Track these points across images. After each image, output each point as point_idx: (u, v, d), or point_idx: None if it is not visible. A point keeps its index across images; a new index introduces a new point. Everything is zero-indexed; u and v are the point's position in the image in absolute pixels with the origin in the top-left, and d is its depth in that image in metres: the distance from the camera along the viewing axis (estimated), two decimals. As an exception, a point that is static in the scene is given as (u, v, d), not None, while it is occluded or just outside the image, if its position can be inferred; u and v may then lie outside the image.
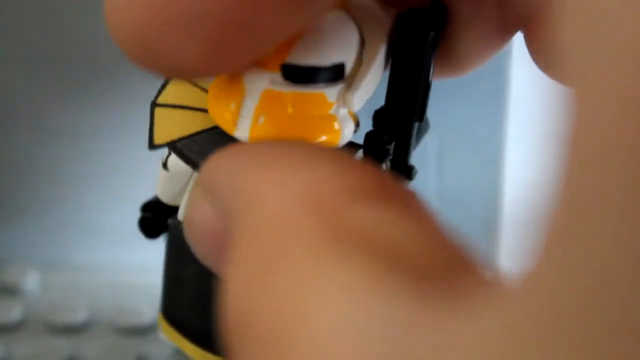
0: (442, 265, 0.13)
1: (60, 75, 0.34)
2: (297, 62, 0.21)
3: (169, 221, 0.25)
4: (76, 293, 0.35)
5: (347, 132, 0.22)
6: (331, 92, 0.22)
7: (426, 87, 0.25)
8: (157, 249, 0.33)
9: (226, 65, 0.18)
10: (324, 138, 0.22)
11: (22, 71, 0.34)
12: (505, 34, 0.22)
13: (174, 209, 0.25)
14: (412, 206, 0.15)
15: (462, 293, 0.12)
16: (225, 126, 0.22)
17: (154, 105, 0.24)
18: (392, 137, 0.25)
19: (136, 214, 0.33)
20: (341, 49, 0.21)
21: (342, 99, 0.22)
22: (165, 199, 0.25)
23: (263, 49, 0.18)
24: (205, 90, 0.24)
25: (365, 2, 0.22)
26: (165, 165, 0.25)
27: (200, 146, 0.23)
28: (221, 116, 0.22)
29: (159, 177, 0.25)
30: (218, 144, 0.23)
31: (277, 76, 0.21)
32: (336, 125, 0.22)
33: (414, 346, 0.12)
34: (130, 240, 0.36)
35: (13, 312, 0.34)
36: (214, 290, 0.25)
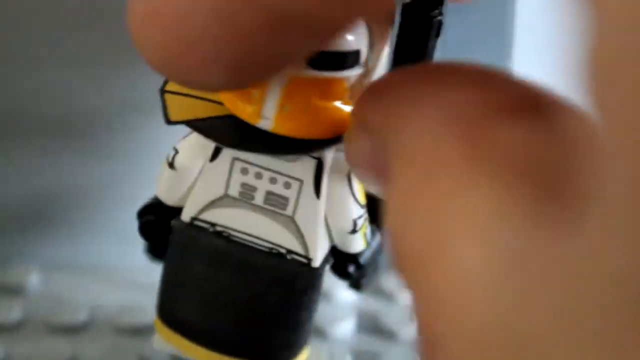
0: (565, 176, 0.14)
1: (60, 75, 0.34)
2: (322, 48, 0.21)
3: (173, 223, 0.25)
4: (77, 293, 0.35)
5: None
6: (349, 78, 0.22)
7: None
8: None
9: (252, 81, 0.18)
10: (342, 125, 0.22)
11: (23, 69, 0.34)
12: None
13: (176, 211, 0.25)
14: (550, 119, 0.15)
15: (574, 209, 0.13)
16: (247, 115, 0.22)
17: (163, 91, 0.24)
18: None
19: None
20: (356, 36, 0.22)
21: (359, 84, 0.22)
22: (170, 200, 0.25)
23: (285, 66, 0.19)
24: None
25: None
26: (172, 165, 0.24)
27: (217, 128, 0.23)
28: (241, 105, 0.22)
29: (161, 178, 0.25)
30: (231, 128, 0.23)
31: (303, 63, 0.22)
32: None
33: (520, 280, 0.13)
34: (132, 240, 0.36)
35: (14, 311, 0.34)
36: (223, 288, 0.25)
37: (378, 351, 0.33)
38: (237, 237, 0.24)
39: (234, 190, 0.24)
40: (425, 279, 0.15)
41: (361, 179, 0.20)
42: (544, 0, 0.31)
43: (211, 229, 0.24)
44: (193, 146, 0.24)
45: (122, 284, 0.36)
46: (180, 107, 0.23)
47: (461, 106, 0.16)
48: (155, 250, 0.27)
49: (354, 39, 0.22)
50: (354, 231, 0.24)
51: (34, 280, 0.36)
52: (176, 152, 0.24)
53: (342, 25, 0.17)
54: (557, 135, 0.15)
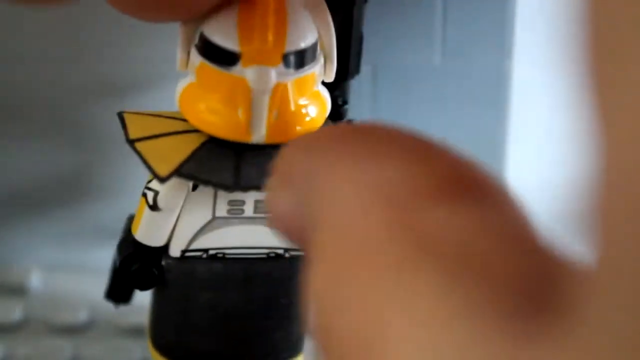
0: (525, 276, 0.13)
1: (59, 76, 0.34)
2: (293, 49, 0.22)
3: (164, 263, 0.24)
4: (78, 293, 0.35)
5: (328, 101, 0.23)
6: (318, 70, 0.23)
7: (360, 40, 0.26)
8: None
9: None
10: (324, 114, 0.22)
11: (24, 69, 0.34)
12: None
13: (159, 251, 0.24)
14: (490, 198, 0.14)
15: (545, 313, 0.12)
16: (237, 135, 0.22)
17: (132, 142, 0.23)
18: (344, 98, 0.26)
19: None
20: (309, 28, 0.22)
21: (326, 70, 0.23)
22: (154, 242, 0.24)
23: None
24: (163, 116, 0.23)
25: None
26: (155, 207, 0.24)
27: (206, 163, 0.23)
28: (226, 128, 0.22)
29: (142, 222, 0.24)
30: (221, 155, 0.23)
31: (280, 67, 0.22)
32: (324, 98, 0.23)
33: None
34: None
35: (15, 311, 0.34)
36: (231, 307, 0.24)
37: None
38: (233, 254, 0.24)
39: (222, 211, 0.24)
40: None
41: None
42: (544, 0, 0.31)
43: (205, 255, 0.24)
44: (173, 183, 0.23)
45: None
46: (160, 154, 0.23)
47: (398, 182, 0.14)
48: (121, 294, 0.26)
49: (310, 32, 0.22)
50: None
51: (34, 280, 0.36)
52: (155, 193, 0.24)
53: None
54: (499, 225, 0.13)
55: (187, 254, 0.24)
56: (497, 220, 0.13)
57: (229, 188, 0.23)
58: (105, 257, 0.36)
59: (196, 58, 0.22)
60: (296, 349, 0.26)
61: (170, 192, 0.24)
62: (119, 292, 0.27)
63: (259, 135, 0.22)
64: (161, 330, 0.25)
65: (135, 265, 0.25)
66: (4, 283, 0.35)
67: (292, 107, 0.22)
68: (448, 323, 0.12)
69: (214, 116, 0.22)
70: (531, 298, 0.12)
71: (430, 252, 0.13)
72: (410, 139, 0.15)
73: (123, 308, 0.34)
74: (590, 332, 0.11)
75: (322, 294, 0.14)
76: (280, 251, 0.24)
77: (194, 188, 0.23)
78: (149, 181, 0.24)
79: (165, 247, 0.24)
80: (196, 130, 0.23)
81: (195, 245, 0.24)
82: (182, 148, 0.23)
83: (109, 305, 0.34)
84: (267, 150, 0.22)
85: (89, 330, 0.34)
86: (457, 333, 0.12)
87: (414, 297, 0.13)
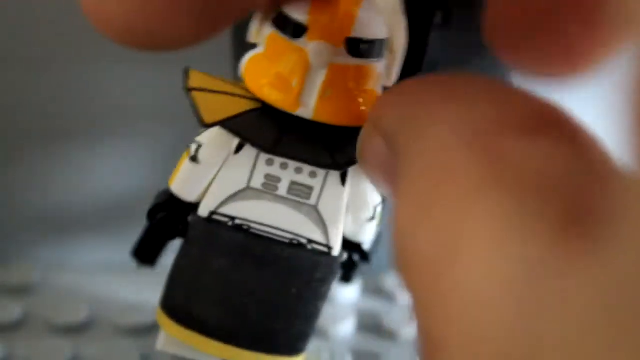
0: (587, 195, 0.14)
1: (60, 75, 0.34)
2: (359, 36, 0.22)
3: (190, 219, 0.25)
4: (78, 292, 0.35)
5: None
6: (380, 66, 0.23)
7: (433, 66, 0.26)
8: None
9: (216, 29, 0.18)
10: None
11: (23, 71, 0.34)
12: None
13: (188, 209, 0.25)
14: (567, 132, 0.15)
15: (598, 227, 0.13)
16: (286, 104, 0.23)
17: (189, 89, 0.24)
18: None
19: (138, 214, 0.33)
20: (383, 25, 0.23)
21: (387, 73, 0.23)
22: (188, 195, 0.25)
23: (249, 8, 0.19)
24: (227, 81, 0.24)
25: None
26: (195, 159, 0.24)
27: (252, 125, 0.23)
28: (279, 95, 0.23)
29: (180, 172, 0.24)
30: (267, 121, 0.23)
31: (341, 50, 0.22)
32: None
33: (543, 289, 0.13)
34: (133, 240, 0.36)
35: (15, 311, 0.34)
36: (244, 282, 0.25)
37: (378, 351, 0.33)
38: (257, 229, 0.24)
39: (257, 182, 0.24)
40: (434, 282, 0.15)
41: (371, 179, 0.20)
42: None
43: (230, 223, 0.24)
44: (218, 139, 0.24)
45: (123, 283, 0.36)
46: (211, 106, 0.23)
47: (477, 118, 0.16)
48: (146, 254, 0.26)
49: (382, 28, 0.22)
50: (372, 218, 0.25)
51: (35, 279, 0.36)
52: (199, 145, 0.24)
53: None
54: (573, 157, 0.15)
55: (214, 216, 0.24)
56: (569, 150, 0.15)
57: (265, 149, 0.23)
58: (105, 256, 0.36)
59: (268, 28, 0.23)
60: (294, 348, 0.26)
61: (213, 148, 0.24)
62: (145, 249, 0.27)
63: (306, 108, 0.23)
64: (172, 291, 0.25)
65: (162, 214, 0.25)
66: (4, 282, 0.35)
67: (344, 91, 0.22)
68: (512, 236, 0.14)
69: (269, 82, 0.23)
70: (588, 215, 0.14)
71: (507, 176, 0.14)
72: (494, 83, 0.17)
73: (123, 308, 0.34)
74: (621, 245, 0.12)
75: (404, 219, 0.16)
76: (304, 241, 0.24)
77: (237, 151, 0.24)
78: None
79: (196, 206, 0.24)
80: (253, 99, 0.23)
81: (224, 209, 0.24)
82: (233, 107, 0.23)
83: (109, 305, 0.34)
84: (313, 128, 0.23)
85: (89, 330, 0.34)
86: (519, 245, 0.14)
87: (486, 214, 0.14)
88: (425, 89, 0.18)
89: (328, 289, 0.25)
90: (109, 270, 0.36)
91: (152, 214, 0.25)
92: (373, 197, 0.24)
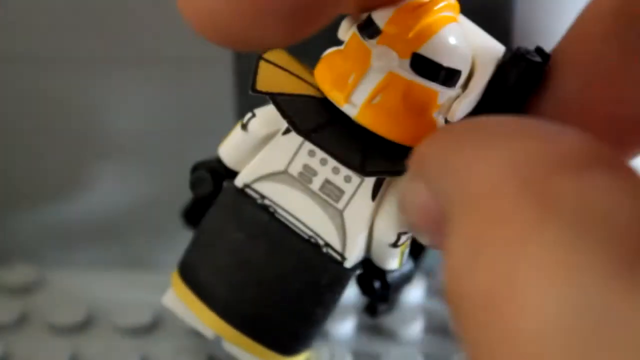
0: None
1: (60, 74, 0.34)
2: (427, 55, 0.22)
3: (225, 184, 0.25)
4: (77, 292, 0.35)
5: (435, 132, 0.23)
6: (443, 94, 0.23)
7: None
8: (160, 248, 0.33)
9: (305, 31, 0.19)
10: (421, 136, 0.22)
11: (23, 70, 0.34)
12: None
13: (229, 174, 0.25)
14: (620, 173, 0.15)
15: None
16: (336, 95, 0.23)
17: (260, 58, 0.24)
18: None
19: (138, 213, 0.33)
20: (461, 58, 0.22)
21: (449, 106, 0.23)
22: (230, 160, 0.25)
23: (337, 10, 0.19)
24: (301, 64, 0.24)
25: (478, 30, 0.23)
26: (245, 126, 0.25)
27: (298, 107, 0.23)
28: (332, 87, 0.23)
29: (230, 136, 0.25)
30: (317, 110, 0.23)
31: (405, 62, 0.22)
32: (433, 127, 0.23)
33: (607, 334, 0.13)
34: (134, 239, 0.36)
35: (14, 310, 0.34)
36: (253, 261, 0.25)
37: (378, 351, 0.33)
38: (281, 215, 0.24)
39: (295, 169, 0.24)
40: (488, 323, 0.14)
41: (412, 227, 0.20)
42: (544, 1, 0.31)
43: (259, 201, 0.24)
44: (271, 114, 0.24)
45: (123, 283, 0.36)
46: (271, 78, 0.23)
47: (527, 157, 0.16)
48: (193, 214, 0.27)
49: (458, 59, 0.22)
50: (395, 245, 0.24)
51: (34, 279, 0.36)
52: (253, 115, 0.24)
53: None
54: (630, 191, 0.15)
55: (247, 189, 0.24)
56: (615, 185, 0.15)
57: (299, 131, 0.23)
58: (105, 256, 0.36)
59: (352, 29, 0.23)
60: (284, 346, 0.25)
61: (263, 121, 0.24)
62: (192, 211, 0.28)
63: (353, 107, 0.23)
64: (190, 250, 0.26)
65: (201, 171, 0.25)
66: (4, 282, 0.35)
67: (394, 102, 0.22)
68: (571, 271, 0.14)
69: (329, 70, 0.23)
70: None
71: (557, 214, 0.14)
72: (537, 122, 0.17)
73: (122, 308, 0.34)
74: None
75: (457, 260, 0.16)
76: (321, 242, 0.24)
77: (285, 133, 0.24)
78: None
79: (235, 174, 0.25)
80: (317, 88, 0.23)
81: (257, 186, 0.24)
82: (292, 86, 0.23)
83: (109, 305, 0.34)
84: (358, 130, 0.23)
85: (88, 330, 0.34)
86: (579, 279, 0.13)
87: (541, 252, 0.14)
88: (470, 129, 0.18)
89: (333, 298, 0.25)
90: (108, 270, 0.36)
91: (195, 169, 0.26)
92: (399, 223, 0.24)
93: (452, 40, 0.22)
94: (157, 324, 0.34)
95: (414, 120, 0.23)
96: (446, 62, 0.22)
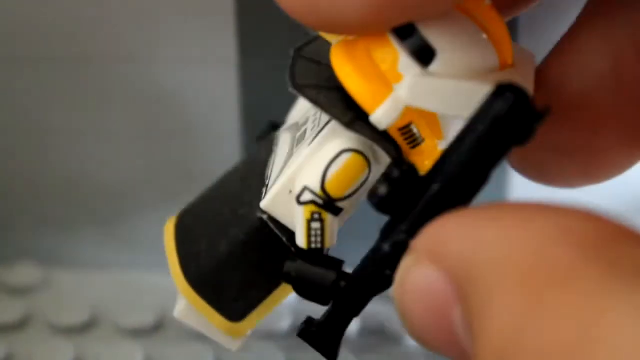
0: None
1: (64, 75, 0.34)
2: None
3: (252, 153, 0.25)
4: (80, 293, 0.35)
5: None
6: (405, 63, 0.21)
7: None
8: (160, 248, 0.33)
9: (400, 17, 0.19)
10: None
11: (23, 70, 0.34)
12: None
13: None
14: None
15: None
16: (370, 100, 0.21)
17: (298, 49, 0.23)
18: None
19: (139, 214, 0.33)
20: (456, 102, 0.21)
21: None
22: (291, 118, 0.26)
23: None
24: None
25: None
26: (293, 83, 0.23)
27: (328, 96, 0.22)
28: (370, 88, 0.21)
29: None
30: (342, 104, 0.22)
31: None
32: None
33: None
34: (135, 240, 0.36)
35: (16, 311, 0.34)
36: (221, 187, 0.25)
37: (382, 354, 0.33)
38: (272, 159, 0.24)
39: (301, 120, 0.24)
40: None
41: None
42: (544, 2, 0.31)
43: (274, 147, 0.25)
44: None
45: (125, 284, 0.36)
46: (308, 70, 0.23)
47: (572, 225, 0.15)
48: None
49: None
50: (298, 200, 0.22)
51: (37, 279, 0.36)
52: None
53: None
54: None
55: (276, 136, 0.25)
56: None
57: (292, 84, 0.22)
58: (107, 256, 0.36)
59: None
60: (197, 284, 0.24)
61: (301, 103, 0.25)
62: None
63: (384, 118, 0.21)
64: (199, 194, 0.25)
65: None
66: (6, 282, 0.35)
67: (422, 138, 0.21)
68: None
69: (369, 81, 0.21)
70: None
71: (617, 275, 0.14)
72: (550, 206, 0.16)
73: (125, 308, 0.34)
74: None
75: (509, 321, 0.15)
76: (268, 182, 0.23)
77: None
78: None
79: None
80: None
81: (280, 134, 0.25)
82: (328, 78, 0.22)
83: (112, 306, 0.34)
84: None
85: (91, 331, 0.34)
86: None
87: (616, 302, 0.14)
88: (496, 209, 0.17)
89: (237, 236, 0.23)
90: (111, 270, 0.36)
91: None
92: (309, 176, 0.22)
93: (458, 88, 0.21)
94: (161, 325, 0.34)
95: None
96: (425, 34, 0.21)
